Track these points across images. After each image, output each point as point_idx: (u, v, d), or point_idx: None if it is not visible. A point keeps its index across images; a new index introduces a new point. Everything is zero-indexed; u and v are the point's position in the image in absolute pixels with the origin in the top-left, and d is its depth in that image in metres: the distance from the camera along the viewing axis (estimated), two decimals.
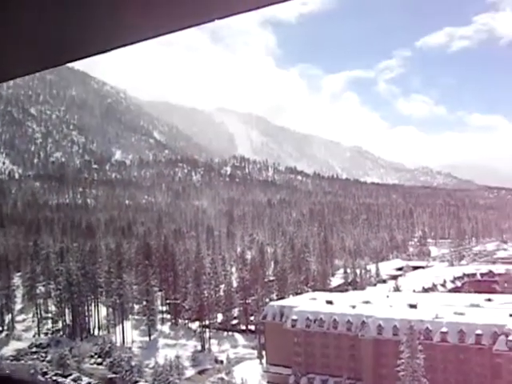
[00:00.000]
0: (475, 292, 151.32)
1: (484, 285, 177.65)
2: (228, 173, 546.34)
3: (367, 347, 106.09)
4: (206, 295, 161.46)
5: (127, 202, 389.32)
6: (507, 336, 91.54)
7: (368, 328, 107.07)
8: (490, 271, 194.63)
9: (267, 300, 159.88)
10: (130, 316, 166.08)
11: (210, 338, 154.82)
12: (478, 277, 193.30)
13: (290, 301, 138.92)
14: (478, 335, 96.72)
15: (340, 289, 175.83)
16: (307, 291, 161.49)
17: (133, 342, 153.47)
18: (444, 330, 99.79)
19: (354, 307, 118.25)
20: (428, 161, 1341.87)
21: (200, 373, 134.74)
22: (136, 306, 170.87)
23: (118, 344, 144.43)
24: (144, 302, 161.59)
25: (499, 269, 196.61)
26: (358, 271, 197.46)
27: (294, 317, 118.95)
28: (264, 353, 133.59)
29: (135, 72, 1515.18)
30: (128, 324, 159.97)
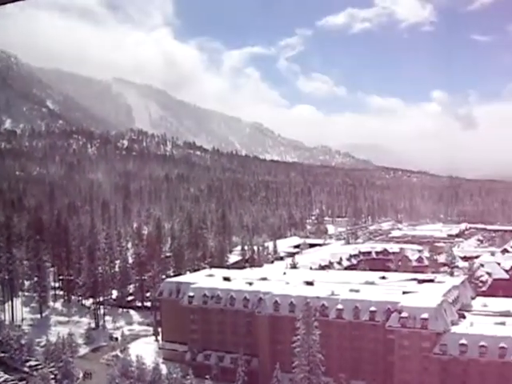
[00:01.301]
0: (370, 270, 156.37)
1: (379, 263, 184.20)
2: (125, 146, 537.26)
3: (264, 324, 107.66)
4: (101, 271, 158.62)
5: (17, 173, 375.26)
6: (400, 313, 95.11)
7: (265, 305, 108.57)
8: (385, 250, 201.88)
9: (163, 276, 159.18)
10: (20, 293, 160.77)
11: (104, 314, 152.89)
12: (374, 255, 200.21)
13: (186, 277, 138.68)
14: (372, 312, 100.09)
15: (237, 265, 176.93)
16: (204, 268, 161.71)
17: (23, 319, 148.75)
18: (340, 306, 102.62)
19: (251, 284, 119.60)
20: (327, 140, 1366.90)
21: (94, 350, 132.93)
22: (26, 283, 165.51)
23: (7, 322, 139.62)
24: (35, 278, 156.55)
25: (393, 248, 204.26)
26: (255, 248, 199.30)
27: (191, 293, 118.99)
28: (160, 330, 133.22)
29: (27, 36, 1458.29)
30: (18, 301, 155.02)
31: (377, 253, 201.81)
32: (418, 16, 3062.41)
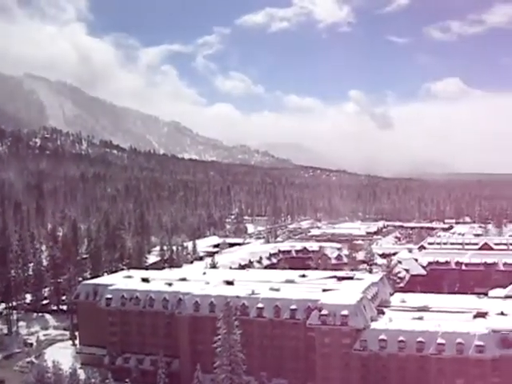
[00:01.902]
0: (290, 268, 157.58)
1: (299, 261, 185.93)
2: (38, 144, 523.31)
3: (184, 324, 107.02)
4: (13, 274, 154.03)
5: None
6: (320, 310, 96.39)
7: (184, 305, 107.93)
8: (305, 248, 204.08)
9: (80, 279, 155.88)
10: None
11: (17, 320, 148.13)
12: (293, 254, 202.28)
13: (104, 279, 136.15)
14: (292, 310, 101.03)
15: (156, 266, 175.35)
16: (122, 269, 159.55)
17: None
18: (260, 305, 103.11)
19: (170, 285, 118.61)
20: (246, 139, 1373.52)
21: (7, 358, 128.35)
22: None
23: None
24: None
25: (313, 246, 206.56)
26: (174, 248, 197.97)
27: (109, 295, 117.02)
28: (77, 334, 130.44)
29: None
30: None
31: (296, 251, 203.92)
32: (336, 16, 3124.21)
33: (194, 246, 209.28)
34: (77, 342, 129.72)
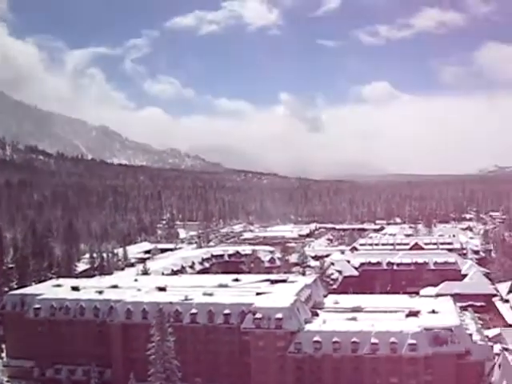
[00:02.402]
0: (223, 273, 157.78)
1: (232, 265, 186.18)
2: None
3: (116, 333, 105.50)
4: None
5: None
6: (254, 314, 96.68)
7: (116, 313, 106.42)
8: (237, 252, 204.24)
9: (6, 289, 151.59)
10: None
11: None
12: (226, 258, 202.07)
13: (32, 289, 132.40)
14: (226, 315, 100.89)
15: (86, 274, 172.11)
16: (51, 278, 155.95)
17: None
18: (193, 311, 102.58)
19: (101, 292, 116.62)
20: (176, 143, 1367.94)
21: None
22: None
23: None
24: None
25: (246, 249, 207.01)
26: (104, 255, 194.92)
27: (37, 305, 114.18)
28: (3, 346, 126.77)
29: None
30: None
31: (229, 255, 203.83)
32: (266, 19, 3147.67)
33: (125, 253, 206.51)
34: (3, 354, 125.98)
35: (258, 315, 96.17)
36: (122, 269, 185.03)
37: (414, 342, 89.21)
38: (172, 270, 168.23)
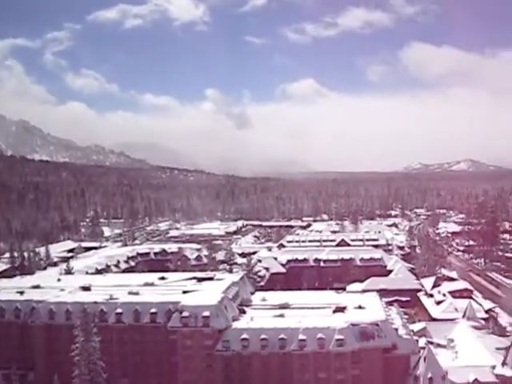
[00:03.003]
0: (149, 271, 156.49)
1: (158, 264, 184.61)
2: None
3: (39, 334, 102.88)
4: None
5: None
6: (181, 313, 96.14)
7: (38, 314, 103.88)
8: (164, 250, 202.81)
9: None
10: None
11: None
12: (152, 256, 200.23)
13: None
14: (152, 314, 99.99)
15: (6, 274, 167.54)
16: None
17: None
18: (119, 310, 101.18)
19: (22, 293, 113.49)
20: (100, 139, 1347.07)
21: None
22: None
23: None
24: None
25: (172, 247, 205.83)
26: (25, 254, 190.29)
27: None
28: None
29: None
30: None
31: (155, 253, 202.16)
32: (192, 15, 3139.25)
33: (47, 252, 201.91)
34: None
35: (185, 314, 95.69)
36: (45, 268, 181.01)
37: (341, 337, 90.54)
38: (96, 269, 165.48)
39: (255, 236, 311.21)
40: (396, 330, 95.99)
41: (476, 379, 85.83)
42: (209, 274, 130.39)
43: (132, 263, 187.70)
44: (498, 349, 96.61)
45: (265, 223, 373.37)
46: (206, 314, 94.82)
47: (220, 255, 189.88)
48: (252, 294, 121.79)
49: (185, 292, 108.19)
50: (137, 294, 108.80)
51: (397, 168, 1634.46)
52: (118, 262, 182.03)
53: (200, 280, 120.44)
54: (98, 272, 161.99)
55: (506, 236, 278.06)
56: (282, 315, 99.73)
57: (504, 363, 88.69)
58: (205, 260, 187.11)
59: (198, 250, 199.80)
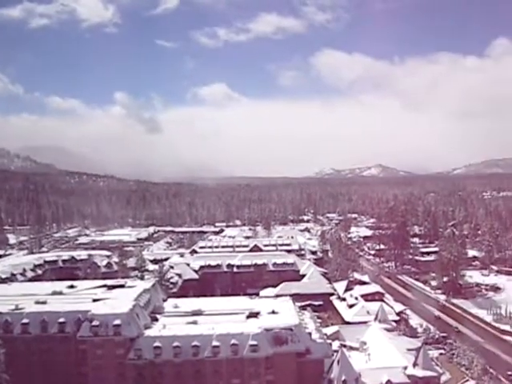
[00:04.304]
0: (57, 279, 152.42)
1: (66, 271, 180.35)
2: None
3: None
4: None
5: None
6: (91, 322, 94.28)
7: None
8: (73, 257, 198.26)
9: None
10: None
11: None
12: (60, 264, 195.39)
13: None
14: (61, 323, 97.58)
15: None
16: None
17: None
18: (25, 321, 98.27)
19: None
20: (5, 143, 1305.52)
21: None
22: None
23: None
24: None
25: (81, 255, 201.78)
26: None
27: None
28: None
29: None
30: None
31: (64, 261, 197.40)
32: (101, 16, 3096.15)
33: None
34: None
35: (95, 322, 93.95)
36: None
37: (254, 343, 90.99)
38: (1, 278, 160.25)
39: (167, 242, 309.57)
40: (309, 334, 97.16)
41: (389, 380, 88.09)
42: (120, 281, 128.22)
43: (39, 271, 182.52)
44: (409, 350, 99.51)
45: (177, 229, 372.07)
46: (117, 322, 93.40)
47: (131, 262, 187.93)
48: (164, 301, 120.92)
49: (95, 300, 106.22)
50: (44, 303, 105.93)
51: (309, 173, 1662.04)
52: (24, 270, 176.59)
53: (110, 288, 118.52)
54: (3, 281, 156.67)
55: (416, 240, 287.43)
56: (195, 322, 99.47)
57: (415, 364, 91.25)
58: (115, 267, 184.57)
59: (109, 256, 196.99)
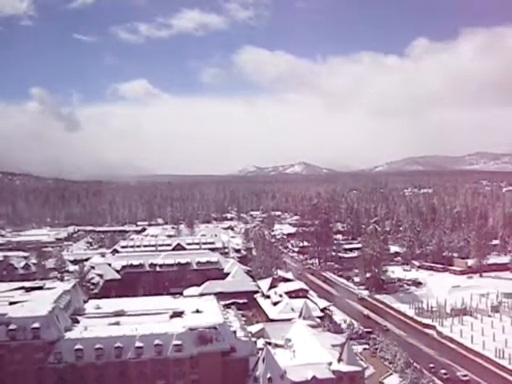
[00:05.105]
0: None
1: None
2: None
3: None
4: None
5: None
6: (7, 325, 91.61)
7: None
8: None
9: None
10: None
11: None
12: None
13: None
14: None
15: None
16: None
17: None
18: None
19: None
20: None
21: None
22: None
23: None
24: None
25: None
26: None
27: None
28: None
29: None
30: None
31: None
32: (15, 8, 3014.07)
33: None
34: None
35: (13, 326, 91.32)
36: None
37: (179, 342, 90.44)
38: None
39: (88, 242, 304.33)
40: (234, 332, 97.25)
41: (314, 376, 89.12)
42: (38, 283, 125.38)
43: None
44: (333, 345, 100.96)
45: (98, 228, 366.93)
46: (36, 325, 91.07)
47: (50, 263, 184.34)
48: (85, 302, 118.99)
49: (12, 303, 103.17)
50: None
51: (232, 171, 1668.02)
52: None
53: (28, 290, 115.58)
54: None
55: (339, 236, 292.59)
56: (117, 323, 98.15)
57: (340, 359, 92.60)
58: (33, 268, 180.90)
59: (26, 258, 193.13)
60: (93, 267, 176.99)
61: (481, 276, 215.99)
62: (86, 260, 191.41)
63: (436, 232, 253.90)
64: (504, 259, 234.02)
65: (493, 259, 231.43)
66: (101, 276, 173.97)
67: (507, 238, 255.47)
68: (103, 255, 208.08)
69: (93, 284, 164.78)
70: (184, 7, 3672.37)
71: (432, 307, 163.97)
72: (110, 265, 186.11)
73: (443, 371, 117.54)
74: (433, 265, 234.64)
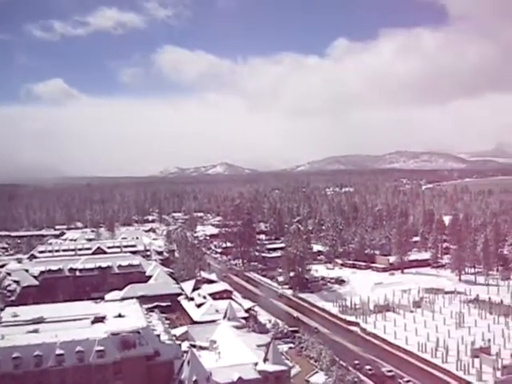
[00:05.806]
0: None
1: None
2: None
3: None
4: None
5: None
6: None
7: None
8: None
9: None
10: None
11: None
12: None
13: None
14: None
15: None
16: None
17: None
18: None
19: None
20: None
21: None
22: None
23: None
24: None
25: None
26: None
27: None
28: None
29: None
30: None
31: None
32: None
33: None
34: None
35: None
36: None
37: (101, 348, 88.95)
38: None
39: (3, 247, 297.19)
40: (158, 336, 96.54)
41: (240, 377, 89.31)
42: None
43: None
44: (258, 346, 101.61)
45: (13, 233, 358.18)
46: None
47: None
48: (1, 310, 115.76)
49: None
50: None
51: (153, 172, 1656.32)
52: None
53: None
54: None
55: (262, 236, 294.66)
56: (36, 330, 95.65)
57: (265, 359, 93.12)
58: None
59: None
60: (9, 274, 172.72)
61: (402, 272, 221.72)
62: (2, 266, 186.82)
63: (358, 230, 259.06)
64: (424, 255, 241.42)
65: (414, 256, 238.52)
66: (17, 282, 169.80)
67: (427, 234, 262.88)
68: (20, 261, 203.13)
69: (9, 291, 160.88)
70: (102, 5, 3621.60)
71: (355, 304, 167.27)
72: (27, 271, 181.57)
73: (368, 367, 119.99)
74: (355, 262, 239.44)
